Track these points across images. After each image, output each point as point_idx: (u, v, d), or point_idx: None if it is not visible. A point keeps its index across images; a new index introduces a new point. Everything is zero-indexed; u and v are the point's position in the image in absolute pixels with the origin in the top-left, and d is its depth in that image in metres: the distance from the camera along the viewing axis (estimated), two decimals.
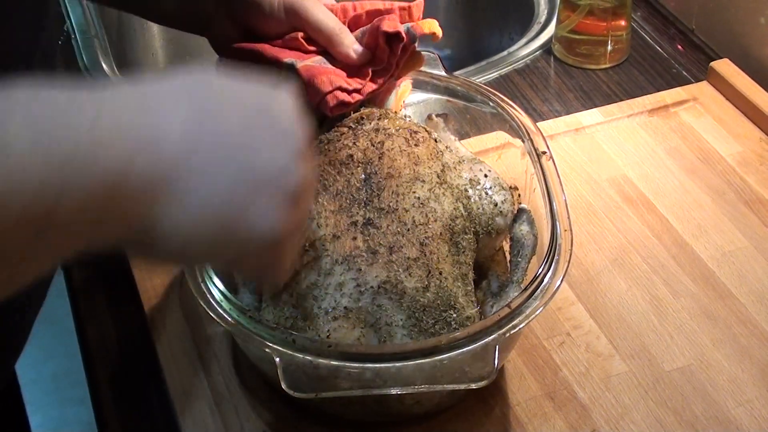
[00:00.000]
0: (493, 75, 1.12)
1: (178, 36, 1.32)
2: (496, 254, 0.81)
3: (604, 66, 1.13)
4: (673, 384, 0.77)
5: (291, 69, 0.77)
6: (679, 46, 1.16)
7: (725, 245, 0.89)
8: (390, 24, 0.77)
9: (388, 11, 0.80)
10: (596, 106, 1.06)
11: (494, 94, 0.86)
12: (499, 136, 0.86)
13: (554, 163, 0.79)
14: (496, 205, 0.77)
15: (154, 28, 1.33)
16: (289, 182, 0.51)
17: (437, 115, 0.85)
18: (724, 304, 0.83)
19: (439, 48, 0.92)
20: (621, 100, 1.07)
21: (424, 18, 0.81)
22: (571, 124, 1.02)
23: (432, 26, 0.80)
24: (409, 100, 0.86)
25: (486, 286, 0.78)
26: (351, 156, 0.73)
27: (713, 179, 0.95)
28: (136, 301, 0.85)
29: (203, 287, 0.69)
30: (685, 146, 1.00)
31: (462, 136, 0.87)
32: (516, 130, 0.83)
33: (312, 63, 0.78)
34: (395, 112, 0.81)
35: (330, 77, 0.77)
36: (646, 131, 1.02)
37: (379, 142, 0.74)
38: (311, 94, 0.76)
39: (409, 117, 0.82)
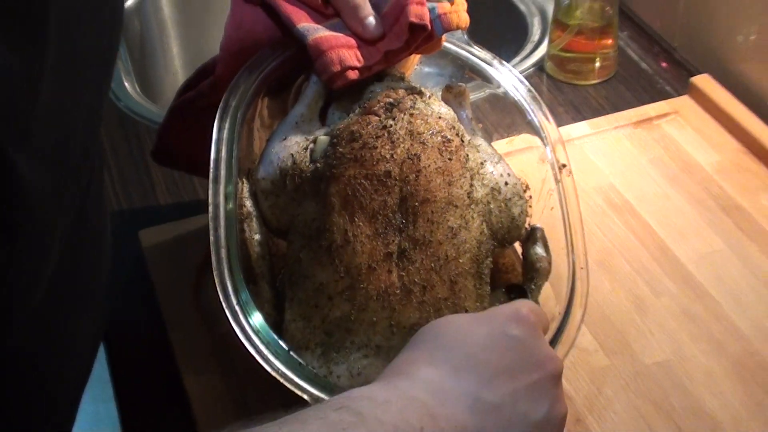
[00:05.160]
0: (479, 95, 1.13)
1: (197, 58, 1.34)
2: (504, 257, 0.78)
3: (592, 82, 1.14)
4: (653, 377, 0.78)
5: (301, 39, 0.71)
6: (663, 63, 1.17)
7: (703, 248, 0.90)
8: (417, 13, 0.70)
9: None
10: (585, 119, 1.07)
11: (522, 82, 0.79)
12: (514, 125, 0.80)
13: (573, 180, 0.75)
14: (513, 219, 0.73)
15: (174, 50, 1.35)
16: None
17: (458, 86, 0.79)
18: (702, 303, 0.84)
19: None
20: (608, 113, 1.08)
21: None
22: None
23: (461, 21, 0.73)
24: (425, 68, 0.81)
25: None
26: (389, 173, 0.67)
27: (693, 187, 0.96)
28: (154, 300, 0.86)
29: (246, 326, 0.64)
30: (667, 156, 1.00)
31: (473, 111, 0.81)
32: (536, 130, 0.77)
33: (324, 32, 0.71)
34: (420, 91, 0.74)
35: (339, 54, 0.70)
36: (631, 142, 1.03)
37: (415, 155, 0.68)
38: (319, 69, 0.70)
39: (430, 92, 0.75)
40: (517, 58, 1.20)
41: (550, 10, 1.22)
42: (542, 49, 1.19)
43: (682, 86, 1.11)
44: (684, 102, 1.07)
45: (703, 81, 1.07)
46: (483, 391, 0.52)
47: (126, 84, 1.17)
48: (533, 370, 0.54)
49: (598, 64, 1.14)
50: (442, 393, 0.51)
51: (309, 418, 0.48)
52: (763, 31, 1.06)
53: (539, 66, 1.18)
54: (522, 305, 0.59)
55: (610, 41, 1.13)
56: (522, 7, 1.28)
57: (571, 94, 1.13)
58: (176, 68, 1.35)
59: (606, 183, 0.98)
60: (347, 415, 0.48)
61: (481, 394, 0.52)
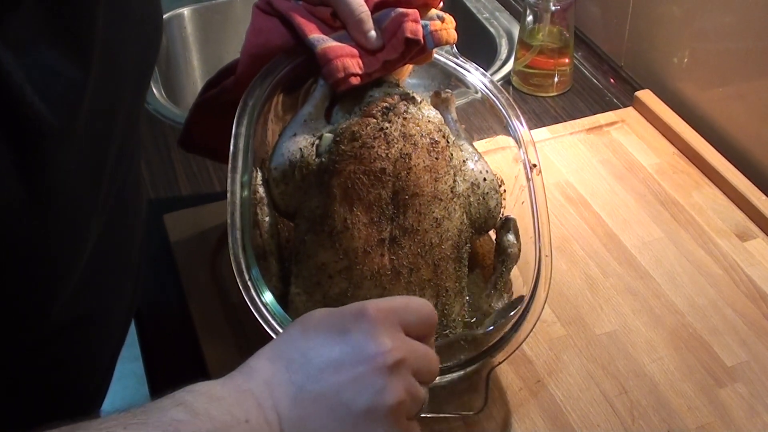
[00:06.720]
0: (463, 101, 1.13)
1: (213, 68, 1.32)
2: (481, 243, 0.77)
3: (552, 94, 1.14)
4: (602, 345, 0.78)
5: (311, 48, 0.69)
6: (611, 79, 1.17)
7: (645, 236, 0.89)
8: (412, 29, 0.69)
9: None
10: (545, 126, 1.06)
11: (501, 91, 0.77)
12: (492, 128, 0.79)
13: (542, 179, 0.74)
14: (490, 210, 0.72)
15: (195, 62, 1.33)
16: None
17: (445, 92, 0.77)
18: (643, 282, 0.84)
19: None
20: (565, 121, 1.07)
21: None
22: None
23: (450, 37, 0.72)
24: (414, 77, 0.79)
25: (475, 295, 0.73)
26: (384, 170, 0.66)
27: (636, 184, 0.96)
28: (176, 274, 0.85)
29: (257, 301, 0.63)
30: (614, 158, 1.00)
31: (458, 114, 0.79)
32: (511, 133, 0.76)
33: (332, 42, 0.70)
34: (412, 97, 0.72)
35: (344, 61, 0.69)
36: (584, 146, 1.02)
37: (406, 154, 0.67)
38: (326, 75, 0.69)
39: (421, 98, 0.73)
40: (488, 73, 1.19)
41: (516, 32, 1.21)
42: (509, 66, 1.19)
43: (628, 99, 1.11)
44: (629, 112, 1.07)
45: (645, 95, 1.07)
46: (308, 382, 0.49)
47: (154, 90, 1.15)
48: (360, 363, 0.49)
49: (556, 79, 1.13)
50: (271, 386, 0.49)
51: (151, 419, 0.45)
52: (694, 56, 1.06)
53: (506, 80, 1.17)
54: (369, 303, 0.52)
55: (566, 60, 1.13)
56: (492, 30, 1.27)
57: (534, 104, 1.12)
58: (196, 77, 1.34)
59: (563, 180, 0.97)
60: (183, 412, 0.45)
61: (306, 385, 0.49)
